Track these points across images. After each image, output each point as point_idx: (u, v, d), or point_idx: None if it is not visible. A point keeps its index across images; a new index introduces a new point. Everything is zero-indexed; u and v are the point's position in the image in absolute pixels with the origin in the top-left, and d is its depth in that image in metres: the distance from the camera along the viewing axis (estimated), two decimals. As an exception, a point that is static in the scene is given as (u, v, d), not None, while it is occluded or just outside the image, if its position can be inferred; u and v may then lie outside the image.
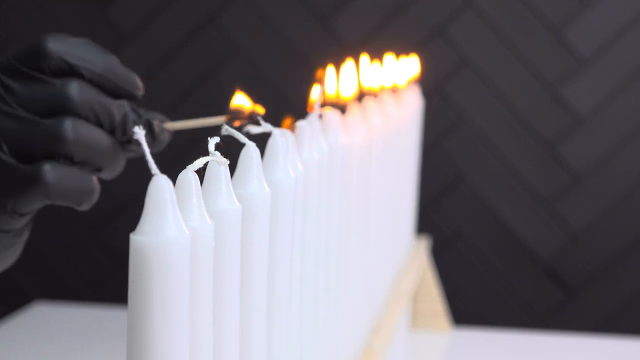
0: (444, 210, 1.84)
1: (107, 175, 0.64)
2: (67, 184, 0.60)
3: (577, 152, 1.80)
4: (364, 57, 1.09)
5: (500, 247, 1.83)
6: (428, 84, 1.71)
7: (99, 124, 0.62)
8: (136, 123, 0.64)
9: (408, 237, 1.40)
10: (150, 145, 0.63)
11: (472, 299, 1.84)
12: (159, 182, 0.47)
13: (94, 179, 0.62)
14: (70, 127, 0.59)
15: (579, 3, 1.78)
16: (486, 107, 1.82)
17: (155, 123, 0.66)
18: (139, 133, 0.49)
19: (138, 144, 0.59)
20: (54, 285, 1.92)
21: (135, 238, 0.47)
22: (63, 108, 0.60)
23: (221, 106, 1.99)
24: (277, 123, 0.66)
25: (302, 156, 0.73)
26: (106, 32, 1.86)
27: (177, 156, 1.74)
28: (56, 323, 1.45)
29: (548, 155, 1.81)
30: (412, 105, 1.37)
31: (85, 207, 0.62)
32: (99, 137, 0.61)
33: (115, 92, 0.64)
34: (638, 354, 1.41)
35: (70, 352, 1.33)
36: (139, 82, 0.65)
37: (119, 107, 0.63)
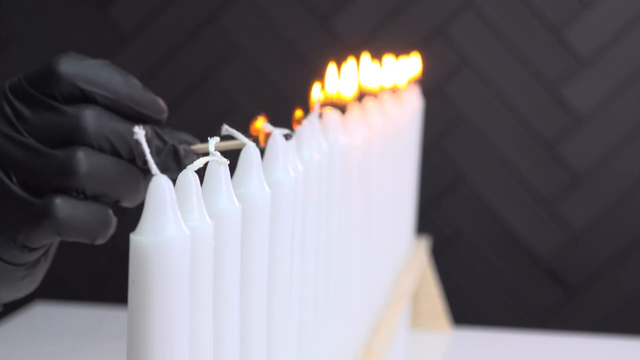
0: (444, 210, 1.84)
1: (128, 204, 0.61)
2: (79, 219, 0.57)
3: (577, 152, 1.80)
4: (365, 56, 1.09)
5: (500, 247, 1.83)
6: (428, 84, 1.71)
7: (115, 153, 0.58)
8: (159, 150, 0.60)
9: (408, 237, 1.40)
10: (175, 171, 0.59)
11: (472, 299, 1.84)
12: (159, 182, 0.47)
13: (109, 212, 0.59)
14: (82, 159, 0.56)
15: (579, 3, 1.78)
16: (486, 107, 1.82)
17: (181, 148, 0.61)
18: (139, 133, 0.49)
19: (172, 170, 0.59)
20: (54, 285, 1.91)
21: (135, 238, 0.47)
22: (75, 138, 0.57)
23: (221, 106, 1.99)
24: (278, 123, 0.66)
25: (302, 156, 0.73)
26: (106, 32, 1.86)
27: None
28: (56, 323, 1.45)
29: (548, 155, 1.81)
30: (412, 105, 1.37)
31: (100, 241, 0.59)
32: (114, 168, 0.58)
33: (135, 117, 0.60)
34: (638, 354, 1.41)
35: (70, 352, 1.33)
36: (162, 105, 0.62)
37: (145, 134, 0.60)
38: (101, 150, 0.57)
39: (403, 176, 1.31)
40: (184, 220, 0.48)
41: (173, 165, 0.60)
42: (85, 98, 0.57)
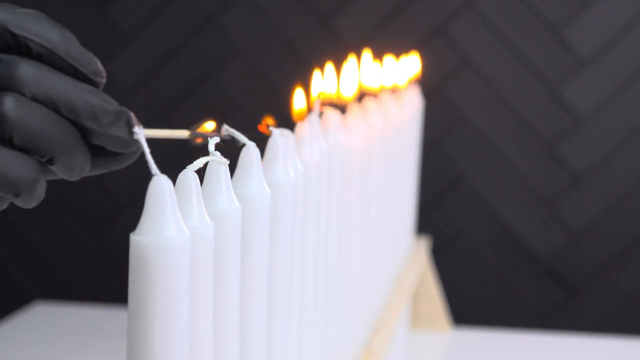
0: (444, 210, 1.84)
1: (64, 171, 0.55)
2: (1, 166, 0.51)
3: (577, 152, 1.80)
4: (367, 54, 1.09)
5: (500, 247, 1.83)
6: (428, 84, 1.71)
7: (54, 108, 0.53)
8: (106, 112, 0.54)
9: (408, 237, 1.40)
10: (125, 144, 0.54)
11: (472, 299, 1.84)
12: (159, 182, 0.47)
13: (38, 167, 0.53)
14: (11, 105, 0.51)
15: (579, 3, 1.78)
16: (486, 107, 1.82)
17: (133, 116, 0.55)
18: (139, 133, 0.49)
19: (120, 143, 0.53)
20: (54, 285, 1.92)
21: (135, 238, 0.47)
22: (8, 86, 0.52)
23: (221, 106, 1.99)
24: (278, 124, 0.66)
25: (302, 156, 0.73)
26: (106, 32, 1.86)
27: (177, 156, 1.74)
28: (56, 323, 1.45)
29: (548, 155, 1.81)
30: (412, 105, 1.37)
31: (25, 198, 0.53)
32: (48, 120, 0.52)
33: (72, 73, 0.55)
34: (638, 354, 1.41)
35: (70, 352, 1.33)
36: (100, 67, 0.56)
37: (88, 92, 0.54)
38: (36, 101, 0.53)
39: (403, 176, 1.31)
40: (184, 220, 0.48)
41: (123, 132, 0.54)
42: (18, 46, 0.54)
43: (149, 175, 0.48)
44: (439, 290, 1.47)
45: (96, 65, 0.55)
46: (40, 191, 0.53)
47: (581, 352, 1.41)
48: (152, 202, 0.47)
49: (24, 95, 0.52)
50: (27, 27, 0.54)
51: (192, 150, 0.56)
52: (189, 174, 0.52)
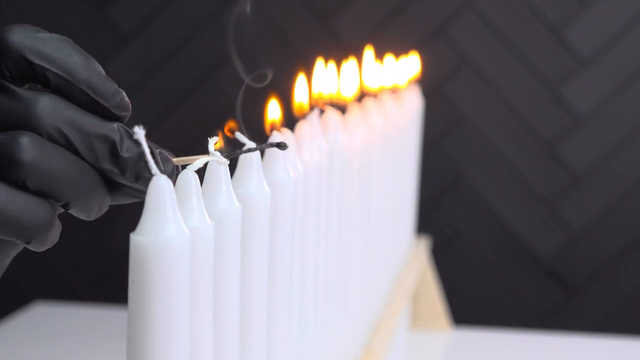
0: (444, 210, 1.84)
1: (81, 213, 0.51)
2: (13, 211, 0.48)
3: (577, 152, 1.80)
4: (368, 52, 1.09)
5: (500, 247, 1.83)
6: (428, 84, 1.71)
7: (70, 147, 0.49)
8: (130, 152, 0.50)
9: (408, 237, 1.40)
10: (148, 179, 0.50)
11: (472, 299, 1.84)
12: (159, 182, 0.47)
13: (53, 211, 0.50)
14: (26, 146, 0.48)
15: (579, 3, 1.78)
16: (486, 107, 1.82)
17: (157, 152, 0.52)
18: (139, 133, 0.49)
19: (145, 178, 0.51)
20: (54, 285, 1.92)
21: (135, 238, 0.47)
22: (24, 125, 0.49)
23: (221, 106, 1.98)
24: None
25: (302, 156, 0.73)
26: (106, 32, 1.86)
27: (177, 156, 1.73)
28: (56, 323, 1.45)
29: (548, 155, 1.81)
30: (412, 105, 1.37)
31: (37, 245, 0.50)
32: (65, 163, 0.49)
33: (92, 107, 0.51)
34: (638, 354, 1.41)
35: (70, 352, 1.33)
36: (125, 100, 0.52)
37: (109, 131, 0.50)
38: (52, 141, 0.49)
39: (403, 176, 1.31)
40: (184, 220, 0.48)
41: (146, 172, 0.51)
42: (34, 75, 0.49)
43: (149, 176, 0.48)
44: (439, 290, 1.47)
45: (121, 97, 0.51)
46: (54, 236, 0.50)
47: (581, 352, 1.41)
48: (152, 202, 0.47)
49: (40, 134, 0.49)
50: (46, 55, 0.50)
51: (192, 151, 0.56)
52: (189, 174, 0.52)
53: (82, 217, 0.52)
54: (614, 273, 1.81)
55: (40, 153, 0.48)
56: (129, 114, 0.52)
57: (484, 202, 1.83)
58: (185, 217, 0.49)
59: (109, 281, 1.90)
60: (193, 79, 1.86)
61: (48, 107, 0.49)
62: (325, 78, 0.87)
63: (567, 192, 1.81)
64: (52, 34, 0.50)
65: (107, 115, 0.51)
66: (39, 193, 0.49)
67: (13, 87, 0.49)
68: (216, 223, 0.52)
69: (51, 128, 0.49)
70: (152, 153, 0.51)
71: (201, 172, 0.54)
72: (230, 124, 0.59)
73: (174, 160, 0.53)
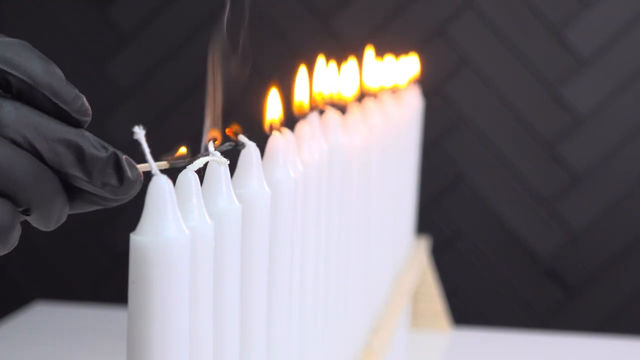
0: (444, 210, 1.84)
1: (40, 221, 0.50)
2: None
3: (577, 152, 1.80)
4: (369, 52, 1.09)
5: (500, 247, 1.83)
6: (428, 84, 1.71)
7: (37, 155, 0.49)
8: (95, 159, 0.50)
9: (408, 237, 1.40)
10: (115, 186, 0.50)
11: (472, 299, 1.84)
12: (159, 182, 0.47)
13: (14, 213, 0.49)
14: None
15: (579, 3, 1.78)
16: (486, 107, 1.82)
17: (124, 159, 0.51)
18: (139, 133, 0.49)
19: (111, 185, 0.50)
20: (54, 285, 1.92)
21: (135, 238, 0.47)
22: None
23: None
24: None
25: (302, 156, 0.73)
26: (106, 32, 1.86)
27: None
28: (56, 323, 1.45)
29: (548, 155, 1.81)
30: (412, 105, 1.37)
31: None
32: (28, 166, 0.48)
33: (54, 112, 0.50)
34: (638, 354, 1.41)
35: (70, 352, 1.33)
36: (86, 105, 0.51)
37: (75, 136, 0.50)
38: (18, 146, 0.49)
39: (403, 176, 1.31)
40: (184, 220, 0.48)
41: (113, 179, 0.50)
42: None
43: (149, 176, 0.48)
44: (439, 290, 1.47)
45: (81, 102, 0.51)
46: (15, 239, 0.49)
47: (581, 352, 1.41)
48: (152, 202, 0.47)
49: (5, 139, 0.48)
50: (7, 59, 0.49)
51: (192, 151, 0.56)
52: (189, 174, 0.52)
53: (42, 226, 0.51)
54: (614, 273, 1.81)
55: (3, 156, 0.48)
56: (89, 119, 0.51)
57: (484, 202, 1.83)
58: (185, 217, 0.49)
59: (109, 281, 1.90)
60: (193, 79, 1.86)
61: (12, 113, 0.49)
62: (325, 77, 0.87)
63: (567, 192, 1.81)
64: (12, 39, 0.50)
65: (68, 120, 0.50)
66: (1, 195, 0.48)
67: None
68: (216, 223, 0.52)
69: (15, 133, 0.48)
70: (117, 159, 0.50)
71: (201, 172, 0.54)
72: (214, 131, 0.59)
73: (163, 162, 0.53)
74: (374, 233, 1.05)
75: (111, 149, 0.50)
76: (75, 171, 0.50)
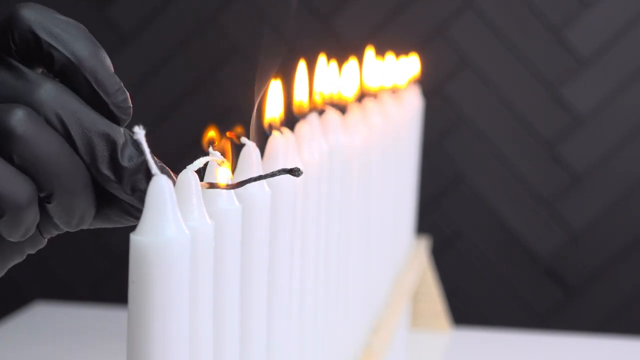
0: (444, 210, 1.84)
1: (61, 215, 0.47)
2: None
3: (577, 152, 1.80)
4: (369, 52, 1.09)
5: (500, 247, 1.83)
6: (428, 84, 1.71)
7: (69, 140, 0.46)
8: (132, 160, 0.47)
9: (408, 237, 1.40)
10: (144, 192, 0.47)
11: (472, 299, 1.84)
12: (159, 182, 0.47)
13: (29, 192, 0.45)
14: (21, 118, 0.44)
15: (579, 3, 1.78)
16: (486, 107, 1.82)
17: (161, 165, 0.49)
18: (139, 133, 0.48)
19: (138, 196, 0.48)
20: (54, 285, 1.92)
21: (135, 238, 0.47)
22: (24, 103, 0.45)
23: (221, 106, 1.98)
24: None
25: (302, 156, 0.73)
26: (106, 32, 1.86)
27: (177, 156, 1.74)
28: (56, 323, 1.45)
29: (548, 155, 1.81)
30: (412, 105, 1.37)
31: (7, 225, 0.45)
32: (56, 148, 0.45)
33: (92, 99, 0.47)
34: (638, 354, 1.41)
35: (70, 352, 1.33)
36: (128, 101, 0.49)
37: (113, 132, 0.47)
38: (50, 126, 0.46)
39: (403, 176, 1.31)
40: (184, 220, 0.48)
41: (143, 184, 0.48)
42: (40, 52, 0.46)
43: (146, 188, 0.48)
44: (439, 290, 1.47)
45: (124, 98, 0.48)
46: (29, 222, 0.46)
47: (581, 352, 1.41)
48: (152, 202, 0.47)
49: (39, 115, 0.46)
50: (55, 33, 0.46)
51: (192, 151, 0.56)
52: (189, 174, 0.52)
53: (62, 222, 0.48)
54: (614, 273, 1.81)
55: (35, 130, 0.45)
56: (128, 118, 0.49)
57: (484, 202, 1.83)
58: (185, 217, 0.49)
59: (109, 281, 1.90)
60: (193, 79, 1.86)
61: (52, 92, 0.46)
62: (325, 77, 0.87)
63: (567, 192, 1.81)
64: (69, 18, 0.47)
65: (104, 111, 0.47)
66: (23, 171, 0.45)
67: (21, 66, 0.46)
68: (216, 223, 0.52)
69: (51, 113, 0.46)
70: (162, 168, 0.48)
71: (201, 172, 0.54)
72: (237, 129, 0.56)
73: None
74: (374, 233, 1.05)
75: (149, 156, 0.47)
76: (106, 169, 0.47)
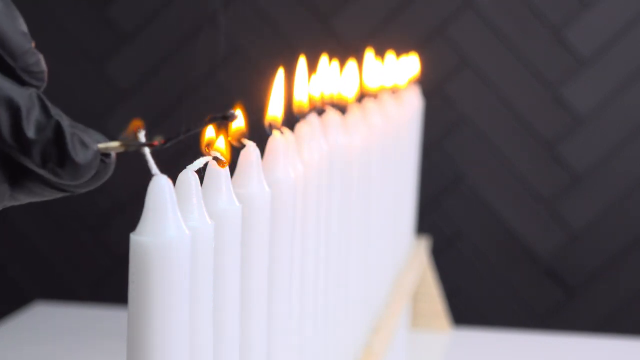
0: (444, 210, 1.84)
1: None
2: None
3: (577, 152, 1.80)
4: (369, 53, 1.09)
5: (500, 247, 1.83)
6: (428, 84, 1.71)
7: None
8: (40, 126, 0.40)
9: (408, 237, 1.40)
10: (54, 158, 0.41)
11: (472, 299, 1.84)
12: (159, 182, 0.47)
13: None
14: None
15: (579, 3, 1.78)
16: (486, 107, 1.81)
17: (69, 131, 0.42)
18: (139, 133, 0.48)
19: (50, 169, 0.42)
20: (54, 285, 1.91)
21: (135, 238, 0.47)
22: None
23: (221, 106, 1.99)
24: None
25: (302, 156, 0.73)
26: (106, 32, 1.86)
27: (177, 156, 1.73)
28: (56, 323, 1.45)
29: (548, 155, 1.81)
30: (412, 105, 1.37)
31: None
32: None
33: (0, 66, 0.41)
34: (638, 354, 1.41)
35: (70, 352, 1.33)
36: (42, 67, 0.42)
37: (17, 96, 0.40)
38: None
39: (403, 176, 1.31)
40: (184, 220, 0.48)
41: (53, 150, 0.41)
42: None
43: (149, 175, 0.48)
44: (439, 290, 1.47)
45: (34, 61, 0.42)
46: None
47: (581, 352, 1.41)
48: (152, 202, 0.47)
49: None
50: None
51: (192, 151, 0.56)
52: (189, 174, 0.52)
53: None
54: (614, 273, 1.81)
55: None
56: (42, 83, 0.42)
57: (484, 202, 1.83)
58: (185, 217, 0.49)
59: (109, 281, 1.90)
60: (193, 79, 1.86)
61: None
62: (325, 77, 0.87)
63: (567, 192, 1.81)
64: None
65: (12, 74, 0.41)
66: None
67: None
68: (216, 223, 0.52)
69: None
70: (59, 129, 0.41)
71: (201, 172, 0.54)
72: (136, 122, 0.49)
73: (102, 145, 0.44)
74: (374, 233, 1.05)
75: (55, 118, 0.41)
76: (9, 138, 0.40)
